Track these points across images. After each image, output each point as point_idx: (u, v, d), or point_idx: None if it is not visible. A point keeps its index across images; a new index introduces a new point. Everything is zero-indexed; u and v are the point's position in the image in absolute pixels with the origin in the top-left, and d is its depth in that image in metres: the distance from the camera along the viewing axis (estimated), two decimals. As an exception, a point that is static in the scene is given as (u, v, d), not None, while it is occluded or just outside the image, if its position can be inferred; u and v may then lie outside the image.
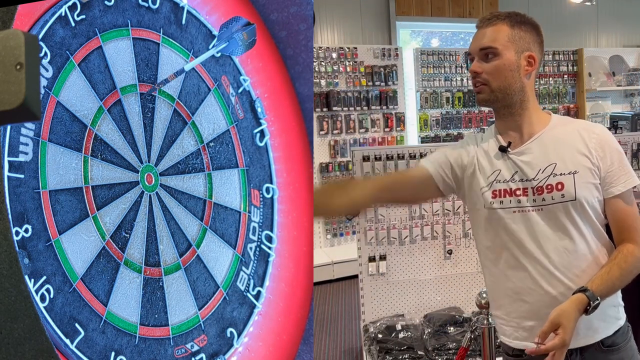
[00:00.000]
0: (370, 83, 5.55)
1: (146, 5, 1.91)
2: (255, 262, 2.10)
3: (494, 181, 1.44)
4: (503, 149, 1.44)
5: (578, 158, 1.39)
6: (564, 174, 1.38)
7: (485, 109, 6.06)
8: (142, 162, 1.88)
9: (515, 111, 1.43)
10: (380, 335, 3.07)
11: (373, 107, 5.57)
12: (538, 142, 1.43)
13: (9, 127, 1.59)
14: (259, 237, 2.12)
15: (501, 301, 1.49)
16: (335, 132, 5.46)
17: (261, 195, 2.13)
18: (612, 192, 1.39)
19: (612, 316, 1.44)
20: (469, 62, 1.47)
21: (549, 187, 1.39)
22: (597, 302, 1.30)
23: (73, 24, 1.75)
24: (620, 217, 1.41)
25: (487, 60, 1.40)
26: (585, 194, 1.38)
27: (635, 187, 1.42)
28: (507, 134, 1.46)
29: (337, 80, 5.44)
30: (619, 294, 1.46)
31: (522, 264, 1.42)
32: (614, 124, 3.67)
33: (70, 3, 1.74)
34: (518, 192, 1.42)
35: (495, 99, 1.41)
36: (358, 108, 5.51)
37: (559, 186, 1.38)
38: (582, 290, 1.31)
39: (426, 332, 3.06)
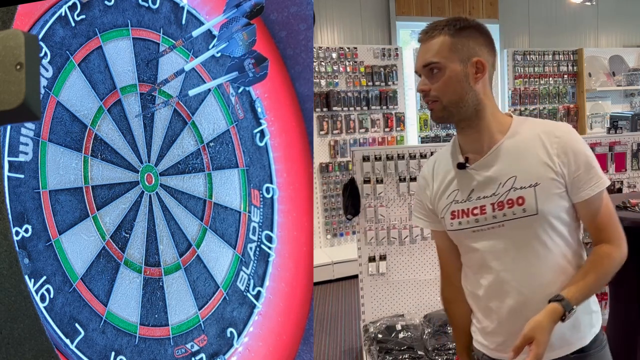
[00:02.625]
0: (370, 83, 5.55)
1: (146, 5, 1.91)
2: (255, 262, 2.10)
3: (452, 202, 1.40)
4: (461, 166, 1.38)
5: (539, 169, 1.32)
6: (524, 187, 1.32)
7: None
8: (142, 162, 1.88)
9: (472, 123, 1.36)
10: (380, 335, 3.07)
11: (373, 107, 5.57)
12: (498, 154, 1.36)
13: (9, 127, 1.59)
14: (259, 237, 2.12)
15: (474, 308, 1.49)
16: (335, 132, 5.46)
17: (261, 195, 2.13)
18: (582, 197, 1.33)
19: (586, 324, 1.39)
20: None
21: (510, 201, 1.33)
22: (573, 310, 1.28)
23: (73, 24, 1.75)
24: (593, 219, 1.36)
25: (433, 76, 1.32)
26: (548, 207, 1.32)
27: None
28: (468, 146, 1.40)
29: (337, 80, 5.44)
30: (593, 300, 1.42)
31: (487, 279, 1.39)
32: (614, 124, 3.66)
33: (70, 3, 1.74)
34: (475, 211, 1.36)
35: (449, 114, 1.34)
36: (358, 108, 5.51)
37: (520, 200, 1.32)
38: (558, 299, 1.28)
39: (426, 332, 3.06)
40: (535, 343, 1.23)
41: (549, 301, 1.28)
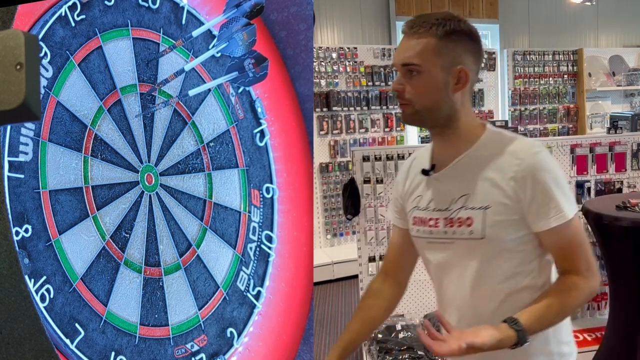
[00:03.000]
0: (370, 83, 5.54)
1: (146, 5, 1.91)
2: (255, 262, 2.10)
3: (415, 207, 1.35)
4: (424, 173, 1.32)
5: (492, 191, 1.21)
6: (474, 208, 1.23)
7: (485, 109, 6.06)
8: (142, 162, 1.88)
9: (443, 131, 1.27)
10: (380, 335, 3.07)
11: (373, 107, 5.57)
12: (458, 167, 1.27)
13: (9, 127, 1.59)
14: (259, 237, 2.12)
15: None
16: (335, 132, 5.46)
17: (261, 195, 2.13)
18: (540, 227, 1.21)
19: None
20: (394, 74, 1.34)
21: (459, 220, 1.25)
22: (527, 343, 1.15)
23: (73, 24, 1.75)
24: (557, 250, 1.24)
25: (410, 77, 1.22)
26: (496, 233, 1.21)
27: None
28: (438, 153, 1.32)
29: (337, 80, 5.44)
30: (559, 341, 1.30)
31: (440, 292, 1.36)
32: (614, 124, 3.66)
33: (70, 3, 1.74)
34: (430, 223, 1.30)
35: (420, 119, 1.27)
36: (358, 108, 5.51)
37: (468, 221, 1.23)
38: (517, 328, 1.14)
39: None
40: (473, 335, 1.11)
41: (505, 321, 1.16)
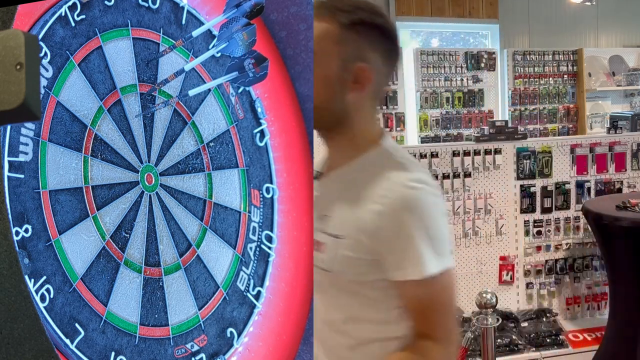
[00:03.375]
0: (370, 83, 5.55)
1: (146, 5, 1.91)
2: (255, 262, 2.10)
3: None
4: (315, 176, 1.14)
5: (351, 220, 1.01)
6: (330, 234, 1.03)
7: (485, 109, 6.06)
8: (142, 162, 1.88)
9: (330, 134, 1.10)
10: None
11: (373, 107, 5.57)
12: (330, 180, 1.09)
13: (9, 127, 1.59)
14: (259, 237, 2.12)
15: None
16: (335, 132, 5.46)
17: (261, 195, 2.13)
18: (394, 276, 1.00)
19: None
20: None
21: (316, 243, 1.06)
22: None
23: (73, 24, 1.75)
24: (412, 307, 1.03)
25: None
26: (344, 270, 1.02)
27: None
28: (328, 159, 1.14)
29: (337, 80, 5.44)
30: None
31: None
32: (614, 124, 3.67)
33: (70, 3, 1.74)
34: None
35: None
36: (358, 108, 5.51)
37: (322, 247, 1.04)
38: None
39: None
40: None
41: None
